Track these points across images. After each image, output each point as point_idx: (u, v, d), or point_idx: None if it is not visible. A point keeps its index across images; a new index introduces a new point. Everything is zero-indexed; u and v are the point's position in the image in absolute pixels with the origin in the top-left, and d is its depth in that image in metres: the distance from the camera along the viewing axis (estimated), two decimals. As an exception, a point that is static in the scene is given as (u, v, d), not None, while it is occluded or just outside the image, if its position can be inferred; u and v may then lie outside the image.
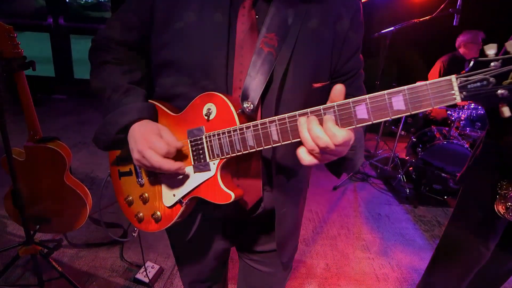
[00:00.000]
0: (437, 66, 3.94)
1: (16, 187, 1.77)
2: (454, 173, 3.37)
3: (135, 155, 0.86)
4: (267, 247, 1.17)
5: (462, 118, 3.54)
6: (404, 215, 3.31)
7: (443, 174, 3.43)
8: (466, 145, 3.36)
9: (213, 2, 0.88)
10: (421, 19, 3.37)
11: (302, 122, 0.71)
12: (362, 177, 3.96)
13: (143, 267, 2.20)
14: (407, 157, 3.83)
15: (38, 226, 2.05)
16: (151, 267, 2.28)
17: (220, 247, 1.20)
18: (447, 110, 3.63)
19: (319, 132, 0.68)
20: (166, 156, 0.84)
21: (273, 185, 0.98)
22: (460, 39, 3.87)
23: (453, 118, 3.52)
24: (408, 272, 2.54)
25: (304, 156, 0.73)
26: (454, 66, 3.78)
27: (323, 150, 0.70)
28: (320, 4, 0.90)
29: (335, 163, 0.81)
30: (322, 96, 0.80)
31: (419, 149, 3.54)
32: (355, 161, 0.92)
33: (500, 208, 1.42)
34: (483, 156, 1.58)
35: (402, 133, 3.88)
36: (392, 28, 3.42)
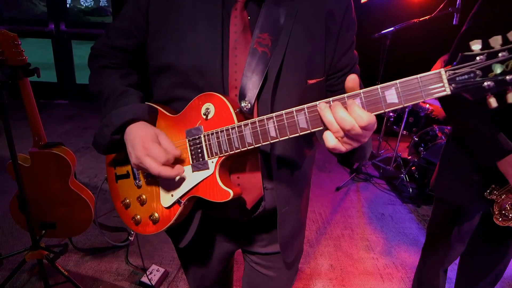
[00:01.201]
0: (438, 64, 3.94)
1: (22, 193, 1.79)
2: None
3: (133, 160, 0.87)
4: (271, 249, 1.17)
5: (464, 117, 3.54)
6: (407, 215, 3.31)
7: (445, 173, 3.42)
8: (468, 144, 3.35)
9: (205, 6, 0.90)
10: (421, 19, 3.37)
11: (323, 106, 0.71)
12: (364, 177, 3.96)
13: (146, 271, 2.21)
14: (410, 157, 3.83)
15: (44, 231, 2.06)
16: (156, 270, 2.29)
17: (224, 250, 1.20)
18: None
19: (344, 114, 0.68)
20: (165, 164, 0.84)
21: (273, 182, 0.99)
22: None
23: (454, 117, 3.52)
24: (413, 272, 2.52)
25: (330, 139, 0.72)
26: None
27: (348, 133, 0.70)
28: (310, 3, 0.92)
29: (348, 153, 0.80)
30: (317, 92, 0.81)
31: (421, 148, 3.54)
32: (366, 149, 0.93)
33: (496, 213, 1.42)
34: (451, 159, 1.58)
35: (404, 133, 3.88)
36: (392, 28, 3.43)
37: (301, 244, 1.26)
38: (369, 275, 2.49)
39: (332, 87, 1.02)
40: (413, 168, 3.68)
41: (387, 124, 4.14)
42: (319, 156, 4.71)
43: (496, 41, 0.62)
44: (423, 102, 3.92)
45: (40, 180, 1.98)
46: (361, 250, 2.76)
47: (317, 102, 0.73)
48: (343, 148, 0.73)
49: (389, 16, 4.39)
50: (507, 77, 0.61)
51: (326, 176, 3.99)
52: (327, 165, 4.25)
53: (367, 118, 0.68)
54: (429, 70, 0.67)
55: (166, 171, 0.84)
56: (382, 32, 3.48)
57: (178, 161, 0.91)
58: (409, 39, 4.56)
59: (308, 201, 1.22)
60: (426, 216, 3.29)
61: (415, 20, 3.39)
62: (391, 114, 4.02)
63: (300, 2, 0.92)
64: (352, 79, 0.70)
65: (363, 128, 0.68)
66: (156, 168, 0.83)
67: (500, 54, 0.61)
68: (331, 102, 0.72)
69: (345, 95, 0.71)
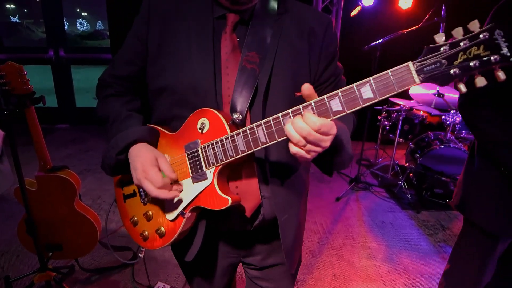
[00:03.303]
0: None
1: (30, 217, 1.84)
2: (454, 176, 3.42)
3: (135, 181, 0.95)
4: (271, 261, 1.21)
5: (457, 122, 3.62)
6: (407, 221, 3.35)
7: (443, 178, 3.48)
8: (464, 148, 3.42)
9: (198, 31, 1.00)
10: (408, 30, 3.49)
11: (286, 121, 0.80)
12: (364, 186, 4.01)
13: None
14: (407, 164, 3.89)
15: (51, 253, 2.11)
16: (162, 287, 2.33)
17: (227, 263, 1.24)
18: (441, 116, 3.71)
19: (300, 123, 0.76)
20: (162, 187, 0.92)
21: (269, 189, 1.04)
22: None
23: (448, 123, 3.60)
24: (415, 277, 2.57)
25: (292, 148, 0.80)
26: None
27: (307, 140, 0.77)
28: (294, 22, 1.02)
29: (325, 160, 0.87)
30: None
31: (418, 155, 3.60)
32: (343, 156, 0.97)
33: None
34: (481, 178, 1.50)
35: (400, 141, 3.95)
36: (381, 40, 3.54)
37: (300, 253, 1.30)
38: (372, 282, 2.52)
39: None
40: (410, 174, 3.74)
41: (383, 133, 4.21)
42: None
43: (458, 32, 0.68)
44: (417, 109, 4.01)
45: (46, 203, 2.04)
46: (363, 258, 2.79)
47: (300, 106, 0.80)
48: (307, 155, 0.80)
49: (378, 28, 4.51)
50: (471, 63, 0.67)
51: (325, 187, 4.04)
52: (326, 176, 4.29)
53: (319, 122, 0.75)
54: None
55: (163, 194, 0.91)
56: (372, 44, 3.59)
57: (179, 174, 0.98)
58: (398, 49, 4.67)
59: (306, 210, 1.27)
60: (426, 221, 3.34)
61: (403, 31, 3.50)
62: (386, 122, 4.10)
63: (284, 22, 1.02)
64: (307, 87, 0.78)
65: (317, 131, 0.75)
66: (153, 191, 0.91)
67: (462, 43, 0.67)
68: (301, 109, 0.79)
69: (324, 96, 0.78)
